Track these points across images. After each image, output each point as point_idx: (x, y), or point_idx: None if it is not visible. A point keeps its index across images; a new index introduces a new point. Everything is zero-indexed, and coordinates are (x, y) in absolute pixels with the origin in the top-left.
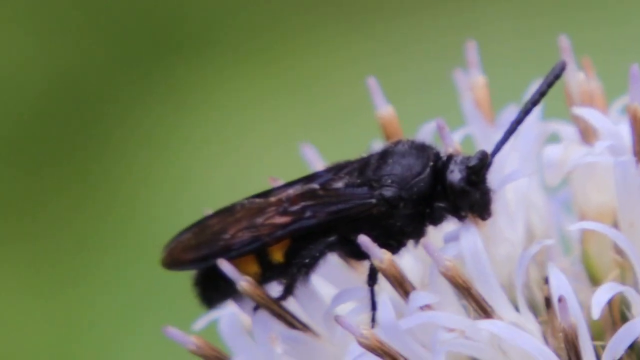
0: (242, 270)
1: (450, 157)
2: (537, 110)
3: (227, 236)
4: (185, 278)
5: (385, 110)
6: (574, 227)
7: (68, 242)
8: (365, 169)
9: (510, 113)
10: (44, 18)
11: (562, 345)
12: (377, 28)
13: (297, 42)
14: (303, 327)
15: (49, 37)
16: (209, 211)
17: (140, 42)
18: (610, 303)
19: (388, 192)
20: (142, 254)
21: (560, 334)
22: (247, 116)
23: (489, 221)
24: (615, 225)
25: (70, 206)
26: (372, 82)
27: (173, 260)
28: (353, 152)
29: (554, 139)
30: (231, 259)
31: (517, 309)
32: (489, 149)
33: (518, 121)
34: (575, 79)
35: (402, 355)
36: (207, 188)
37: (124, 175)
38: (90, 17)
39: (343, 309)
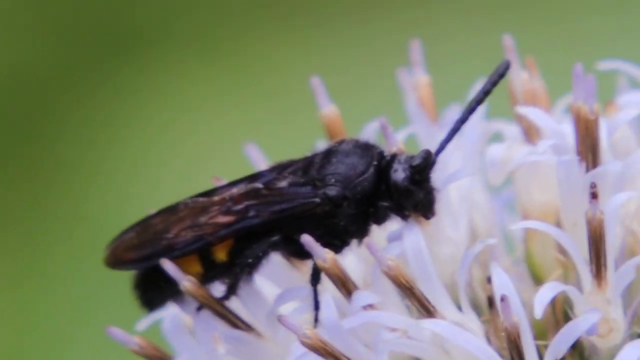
0: (185, 270)
1: (394, 157)
2: (481, 110)
3: (170, 235)
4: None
5: (329, 109)
6: (517, 226)
7: (16, 238)
8: (309, 168)
9: (454, 112)
10: None
11: (505, 344)
12: (323, 27)
13: (242, 41)
14: (246, 326)
15: None
16: (153, 210)
17: (89, 40)
18: (553, 302)
19: (332, 191)
20: (91, 251)
21: (503, 334)
22: (194, 115)
23: (433, 220)
24: (558, 224)
25: (19, 202)
26: (315, 82)
27: (116, 260)
28: (297, 151)
29: (497, 138)
30: (174, 259)
31: (460, 308)
32: (432, 148)
33: (462, 120)
34: (519, 78)
35: (344, 355)
36: (155, 185)
37: (72, 172)
38: (40, 14)
39: (286, 309)
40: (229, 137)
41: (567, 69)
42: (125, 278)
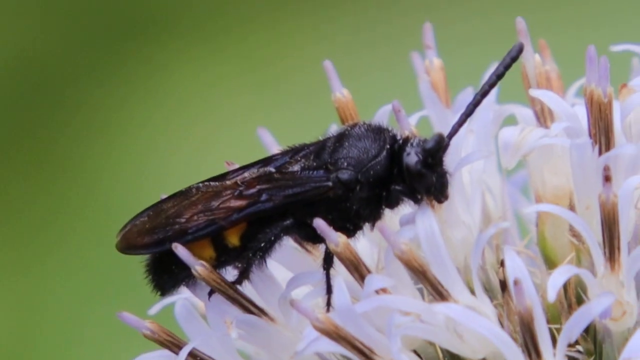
0: (197, 255)
1: (406, 140)
2: (493, 93)
3: (182, 220)
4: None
5: (341, 93)
6: (530, 209)
7: (28, 225)
8: (322, 152)
9: (467, 95)
10: None
11: (518, 328)
12: (336, 10)
13: (253, 26)
14: (259, 311)
15: (3, 20)
16: (165, 195)
17: (97, 26)
18: (565, 286)
19: (344, 175)
20: (102, 238)
21: (516, 317)
22: (205, 99)
23: (445, 204)
24: (571, 207)
25: (29, 190)
26: (328, 65)
27: (128, 245)
28: (310, 135)
29: (510, 121)
30: (186, 243)
31: (472, 292)
32: (445, 132)
33: (475, 104)
34: (532, 61)
35: (357, 340)
36: (165, 171)
37: (83, 159)
38: (50, 1)
39: (299, 293)
40: (240, 122)
41: (580, 52)
42: (137, 264)
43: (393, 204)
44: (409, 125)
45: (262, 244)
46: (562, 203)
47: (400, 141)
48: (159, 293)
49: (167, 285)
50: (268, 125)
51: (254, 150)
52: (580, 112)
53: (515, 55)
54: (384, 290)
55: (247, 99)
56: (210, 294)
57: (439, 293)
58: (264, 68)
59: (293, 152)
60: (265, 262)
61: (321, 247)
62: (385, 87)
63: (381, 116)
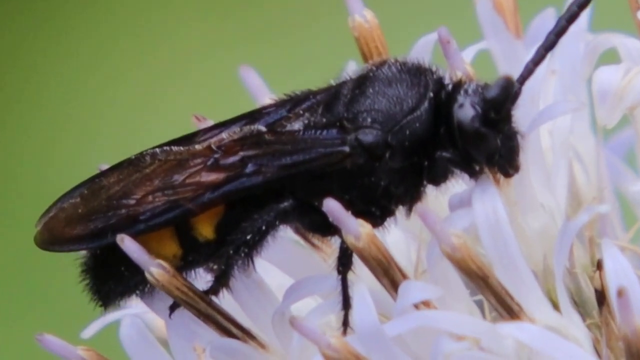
0: (155, 252)
1: (458, 86)
2: (584, 16)
3: (131, 201)
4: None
5: (363, 16)
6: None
7: None
8: (335, 104)
9: (546, 20)
10: None
11: (623, 359)
12: None
13: None
14: (242, 333)
15: None
16: (105, 166)
17: None
18: None
19: (368, 137)
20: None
21: (620, 344)
22: (148, 26)
23: (516, 179)
24: None
25: None
26: None
27: (52, 237)
28: (317, 78)
29: (610, 58)
30: (138, 235)
31: (556, 306)
32: (515, 73)
33: (558, 32)
34: None
35: None
36: (94, 132)
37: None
38: None
39: (301, 308)
40: (207, 57)
41: None
42: (68, 265)
43: (439, 178)
44: (462, 64)
45: (248, 237)
46: None
47: (450, 87)
48: (99, 306)
49: (111, 296)
50: (259, 63)
51: (236, 102)
52: None
53: None
54: (426, 304)
55: (228, 23)
56: (173, 308)
57: (506, 308)
58: None
59: (293, 104)
60: (253, 262)
61: (334, 242)
62: (426, 9)
63: (421, 50)
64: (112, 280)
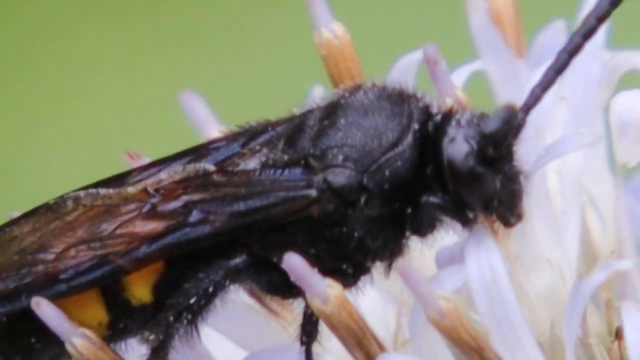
0: (78, 318)
1: (448, 116)
2: (602, 32)
3: (49, 256)
4: None
5: (332, 31)
6: None
7: None
8: (299, 137)
9: (554, 35)
10: None
11: None
12: None
13: None
14: None
15: None
16: (16, 213)
17: None
18: None
19: (339, 178)
20: None
21: None
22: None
23: (517, 229)
24: None
25: None
26: None
27: None
28: (276, 107)
29: (632, 82)
30: (57, 298)
31: None
32: (517, 100)
33: (570, 51)
34: None
35: None
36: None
37: None
38: None
39: None
40: (143, 82)
41: None
42: None
43: (425, 228)
44: (453, 88)
45: (192, 300)
46: None
47: (439, 117)
48: None
49: None
50: (206, 89)
51: (173, 134)
52: None
53: None
54: None
55: (170, 47)
56: None
57: None
58: None
59: (247, 137)
60: (198, 331)
61: (297, 306)
62: (409, 21)
63: (403, 72)
64: (21, 355)
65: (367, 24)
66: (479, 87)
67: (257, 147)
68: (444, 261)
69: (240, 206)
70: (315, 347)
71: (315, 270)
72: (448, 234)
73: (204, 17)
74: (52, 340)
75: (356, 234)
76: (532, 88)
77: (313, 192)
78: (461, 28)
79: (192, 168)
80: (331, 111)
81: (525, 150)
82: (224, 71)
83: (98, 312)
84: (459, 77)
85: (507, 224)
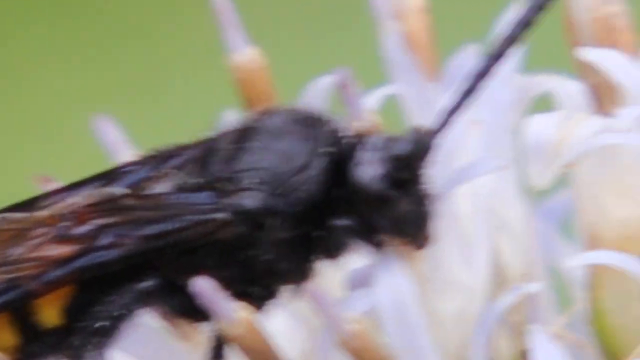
0: None
1: (359, 140)
2: (515, 55)
3: None
4: None
5: (245, 54)
6: (579, 261)
7: None
8: (210, 161)
9: (468, 59)
10: None
11: None
12: None
13: None
14: None
15: None
16: None
17: None
18: None
19: (248, 201)
20: None
21: None
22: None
23: (428, 252)
24: None
25: None
26: (222, 4)
27: None
28: (187, 130)
29: (544, 105)
30: None
31: None
32: (429, 123)
33: (481, 73)
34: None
35: None
36: None
37: None
38: None
39: None
40: (55, 107)
41: None
42: None
43: (335, 250)
44: (362, 112)
45: (101, 323)
46: (634, 250)
47: (347, 141)
48: None
49: None
50: (118, 112)
51: (90, 160)
52: None
53: None
54: None
55: (78, 69)
56: None
57: None
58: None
59: (159, 161)
60: (107, 354)
61: (206, 328)
62: (324, 47)
63: (316, 96)
64: None
65: (284, 45)
66: (396, 111)
67: (169, 171)
68: (354, 283)
69: (151, 229)
70: None
71: (226, 293)
72: (359, 256)
73: (115, 36)
74: None
75: (266, 257)
76: (441, 111)
77: (223, 215)
78: (375, 51)
79: (103, 192)
80: (242, 135)
81: (435, 173)
82: (138, 95)
83: (8, 336)
84: (372, 100)
85: (417, 246)
